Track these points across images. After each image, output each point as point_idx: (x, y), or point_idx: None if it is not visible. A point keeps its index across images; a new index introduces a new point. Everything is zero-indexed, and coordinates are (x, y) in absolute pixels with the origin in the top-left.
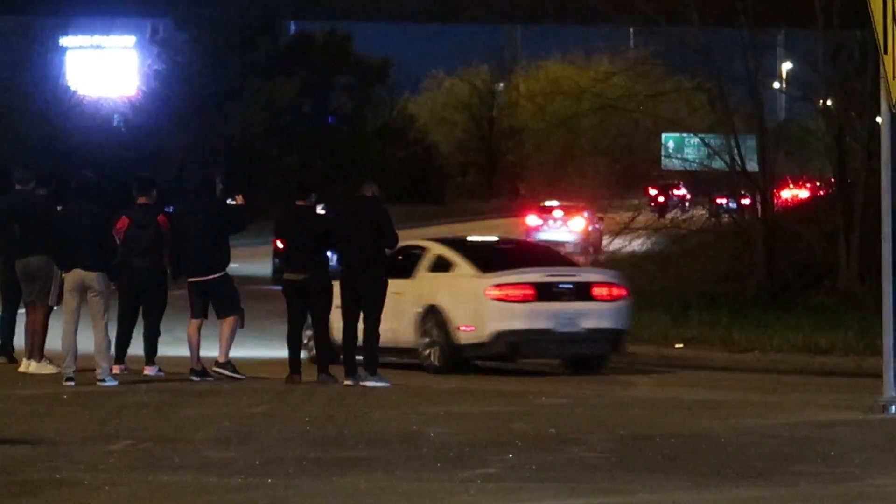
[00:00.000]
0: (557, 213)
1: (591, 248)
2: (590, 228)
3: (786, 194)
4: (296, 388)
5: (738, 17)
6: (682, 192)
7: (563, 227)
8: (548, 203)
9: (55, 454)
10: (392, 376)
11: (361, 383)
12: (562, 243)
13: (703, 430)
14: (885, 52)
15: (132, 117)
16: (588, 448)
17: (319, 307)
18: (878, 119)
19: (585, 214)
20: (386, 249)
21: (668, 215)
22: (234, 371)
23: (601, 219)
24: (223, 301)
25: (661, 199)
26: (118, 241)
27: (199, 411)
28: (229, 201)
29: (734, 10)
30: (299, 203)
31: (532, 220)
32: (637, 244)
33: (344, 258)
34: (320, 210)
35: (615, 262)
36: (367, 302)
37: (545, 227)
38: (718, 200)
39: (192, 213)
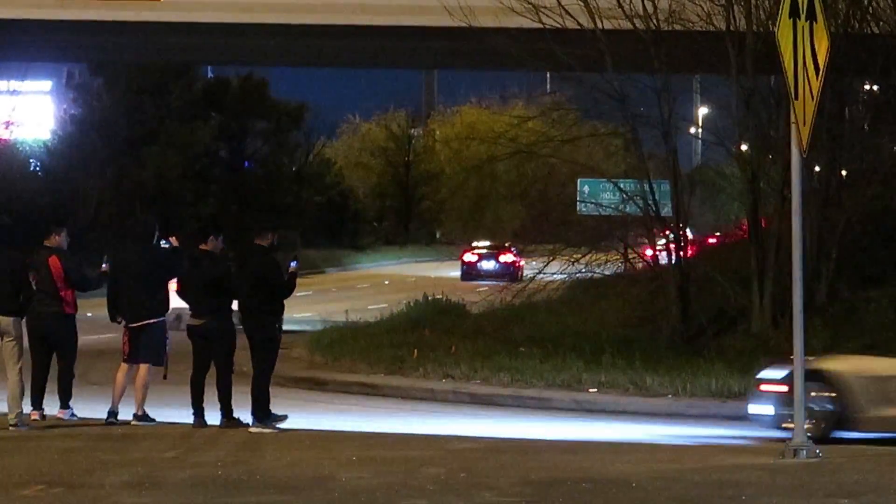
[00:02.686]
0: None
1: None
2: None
3: None
4: (207, 432)
5: (652, 63)
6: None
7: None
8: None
9: None
10: (303, 420)
11: (250, 430)
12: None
13: (615, 474)
14: (796, 98)
15: (48, 161)
16: (500, 493)
17: (220, 352)
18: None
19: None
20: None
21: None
22: (150, 419)
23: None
24: (149, 348)
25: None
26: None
27: (111, 456)
28: (164, 243)
29: (648, 55)
30: (201, 248)
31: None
32: (552, 289)
33: (238, 305)
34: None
35: (530, 305)
36: (253, 348)
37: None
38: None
39: (132, 258)
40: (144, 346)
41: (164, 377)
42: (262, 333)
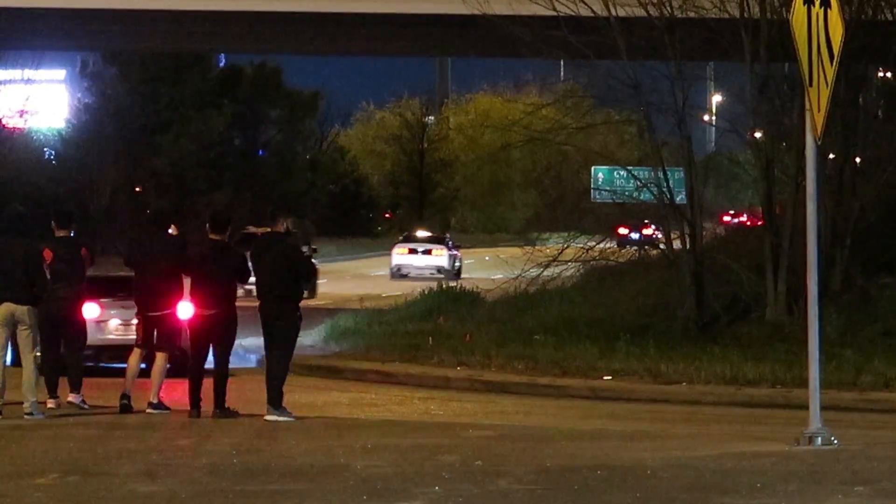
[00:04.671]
0: None
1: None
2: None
3: None
4: (222, 421)
5: (666, 50)
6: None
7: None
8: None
9: None
10: (318, 408)
11: (266, 418)
12: None
13: (629, 461)
14: (811, 84)
15: (62, 150)
16: (515, 480)
17: (223, 342)
18: (806, 151)
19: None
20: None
21: (599, 246)
22: (165, 408)
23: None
24: (165, 337)
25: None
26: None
27: (126, 444)
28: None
29: (662, 43)
30: (213, 238)
31: None
32: (566, 276)
33: (257, 293)
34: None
35: (543, 293)
36: (275, 336)
37: None
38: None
39: (149, 247)
40: (161, 336)
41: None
42: (284, 322)
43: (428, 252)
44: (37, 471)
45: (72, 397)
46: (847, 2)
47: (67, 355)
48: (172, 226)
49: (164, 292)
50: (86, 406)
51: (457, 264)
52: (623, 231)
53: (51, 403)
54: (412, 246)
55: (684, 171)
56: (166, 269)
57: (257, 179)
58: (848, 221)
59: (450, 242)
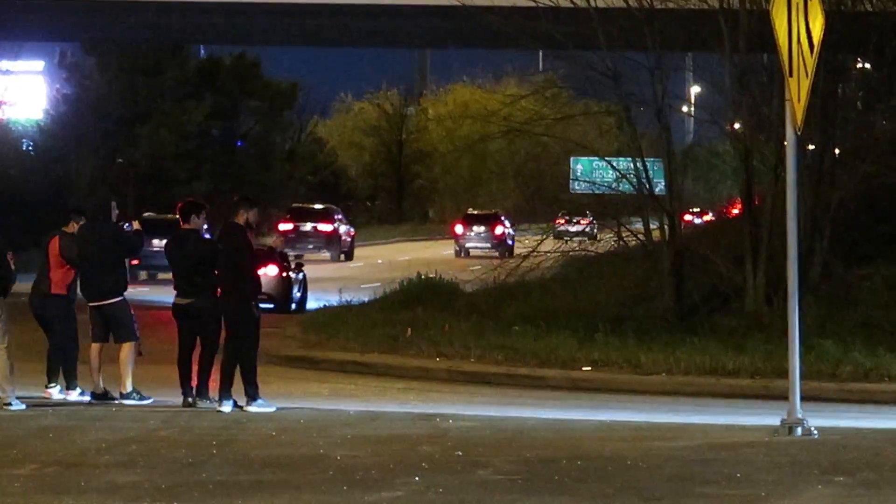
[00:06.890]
0: None
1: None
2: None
3: None
4: (200, 412)
5: (645, 41)
6: None
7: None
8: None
9: None
10: (297, 399)
11: (246, 408)
12: None
13: (609, 452)
14: (791, 75)
15: (41, 141)
16: (495, 471)
17: (207, 331)
18: (785, 142)
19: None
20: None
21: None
22: (141, 397)
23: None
24: (120, 327)
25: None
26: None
27: (105, 435)
28: (126, 226)
29: (641, 33)
30: (183, 227)
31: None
32: (545, 267)
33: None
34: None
35: (524, 284)
36: (230, 328)
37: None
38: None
39: (89, 237)
40: (117, 327)
41: (140, 353)
42: (237, 311)
43: (578, 222)
44: (16, 461)
45: (49, 392)
46: None
47: (62, 351)
48: (135, 221)
49: (106, 281)
50: (85, 396)
51: (594, 230)
52: (688, 218)
53: (46, 394)
54: (567, 217)
55: (663, 161)
56: (107, 259)
57: (236, 170)
58: (827, 212)
59: (589, 215)
